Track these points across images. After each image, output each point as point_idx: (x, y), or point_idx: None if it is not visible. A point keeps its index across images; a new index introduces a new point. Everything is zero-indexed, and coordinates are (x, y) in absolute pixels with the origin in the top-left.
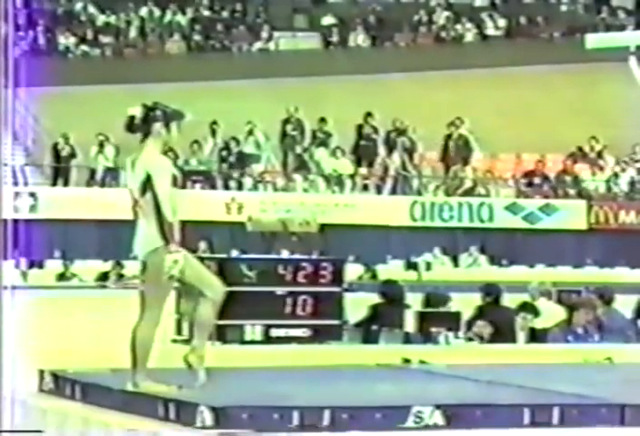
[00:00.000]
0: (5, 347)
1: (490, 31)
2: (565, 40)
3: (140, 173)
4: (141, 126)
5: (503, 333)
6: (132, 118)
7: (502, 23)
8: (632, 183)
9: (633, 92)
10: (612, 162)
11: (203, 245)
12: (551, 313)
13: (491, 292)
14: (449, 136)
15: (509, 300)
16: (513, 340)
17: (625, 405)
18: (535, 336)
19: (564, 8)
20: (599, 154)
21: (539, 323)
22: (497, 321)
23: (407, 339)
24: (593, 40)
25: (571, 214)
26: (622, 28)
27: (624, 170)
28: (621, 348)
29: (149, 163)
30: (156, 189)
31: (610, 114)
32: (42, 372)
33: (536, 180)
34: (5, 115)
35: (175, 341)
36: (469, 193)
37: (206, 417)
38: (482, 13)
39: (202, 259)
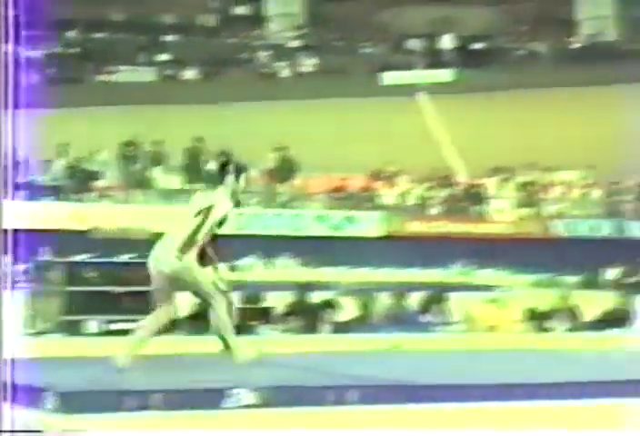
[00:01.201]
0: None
1: (303, 68)
2: (365, 77)
3: (204, 204)
4: (217, 176)
5: (311, 325)
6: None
7: (313, 61)
8: (420, 198)
9: (421, 122)
10: (404, 181)
11: (49, 251)
12: (351, 308)
13: (301, 290)
14: (277, 158)
15: (317, 297)
16: (319, 331)
17: (410, 385)
18: (338, 328)
19: (365, 50)
20: (394, 175)
21: (342, 317)
22: (306, 315)
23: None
24: (388, 77)
25: (369, 224)
26: (413, 68)
27: (414, 188)
28: (408, 337)
29: (216, 199)
30: (209, 217)
31: (403, 141)
32: None
33: (342, 195)
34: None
35: (28, 334)
36: (286, 206)
37: (52, 401)
38: (296, 53)
39: (50, 263)
